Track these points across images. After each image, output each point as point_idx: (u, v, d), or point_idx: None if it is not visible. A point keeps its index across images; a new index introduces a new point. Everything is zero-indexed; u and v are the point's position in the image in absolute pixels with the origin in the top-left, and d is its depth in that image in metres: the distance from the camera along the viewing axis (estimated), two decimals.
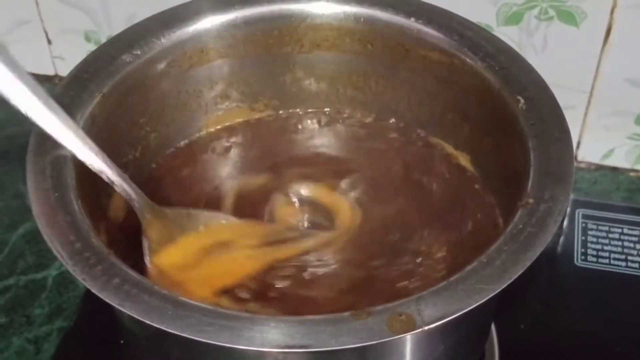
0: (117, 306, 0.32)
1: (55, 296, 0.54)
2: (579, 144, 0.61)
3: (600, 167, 0.62)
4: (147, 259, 0.39)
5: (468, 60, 0.43)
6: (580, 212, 0.58)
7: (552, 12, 0.55)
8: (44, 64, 0.68)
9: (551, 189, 0.36)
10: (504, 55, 0.43)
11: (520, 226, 0.35)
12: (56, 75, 0.68)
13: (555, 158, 0.38)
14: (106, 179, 0.38)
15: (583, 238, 0.57)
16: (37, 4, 0.64)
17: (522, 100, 0.40)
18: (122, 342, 0.46)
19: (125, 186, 0.38)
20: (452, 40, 0.44)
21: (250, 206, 0.45)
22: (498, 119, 0.42)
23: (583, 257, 0.56)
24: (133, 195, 0.39)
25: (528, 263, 0.34)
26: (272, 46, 0.47)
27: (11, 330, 0.52)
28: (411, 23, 0.45)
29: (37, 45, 0.66)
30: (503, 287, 0.33)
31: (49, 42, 0.66)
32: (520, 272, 0.34)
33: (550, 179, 0.37)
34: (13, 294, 0.54)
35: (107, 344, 0.48)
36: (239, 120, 0.49)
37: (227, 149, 0.48)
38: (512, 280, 0.33)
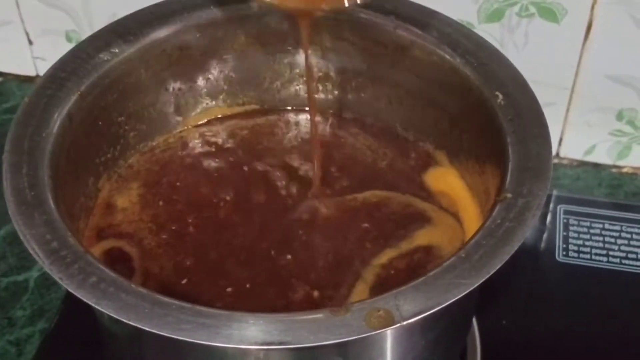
0: (93, 305, 0.32)
1: (37, 298, 0.54)
2: (561, 140, 0.62)
3: (582, 164, 0.63)
4: None
5: (447, 57, 0.43)
6: (562, 207, 0.58)
7: (533, 9, 0.55)
8: (25, 64, 0.67)
9: (529, 184, 0.37)
10: (483, 52, 0.43)
11: (499, 221, 0.35)
12: (37, 76, 0.68)
13: (533, 153, 0.38)
14: None
15: (565, 234, 0.57)
16: (17, 4, 0.63)
17: (500, 96, 0.41)
18: (102, 342, 0.46)
19: None
20: (432, 37, 0.44)
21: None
22: (477, 115, 0.42)
23: (564, 253, 0.56)
24: None
25: (506, 257, 0.34)
26: (253, 44, 0.47)
27: None
28: (391, 21, 0.45)
29: (18, 46, 0.66)
30: (481, 281, 0.33)
31: (30, 42, 0.66)
32: (498, 267, 0.34)
33: (529, 174, 0.37)
34: None
35: (88, 345, 0.48)
36: (219, 118, 0.49)
37: (207, 146, 0.48)
38: (490, 274, 0.33)
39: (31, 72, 0.68)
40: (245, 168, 0.46)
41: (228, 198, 0.45)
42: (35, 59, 0.67)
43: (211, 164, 0.47)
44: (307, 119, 0.49)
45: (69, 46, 0.64)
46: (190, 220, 0.44)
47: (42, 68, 0.67)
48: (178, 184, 0.46)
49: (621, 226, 0.57)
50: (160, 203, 0.45)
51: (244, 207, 0.44)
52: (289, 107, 0.50)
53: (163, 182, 0.46)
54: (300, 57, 0.48)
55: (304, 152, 0.47)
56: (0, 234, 0.57)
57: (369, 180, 0.46)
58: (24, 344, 0.51)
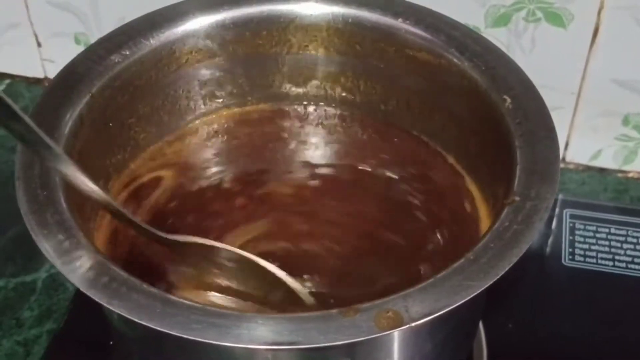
0: (105, 304, 0.32)
1: (44, 299, 0.54)
2: (567, 144, 0.62)
3: (588, 168, 0.63)
4: None
5: (455, 60, 0.43)
6: (568, 212, 0.59)
7: (539, 14, 0.55)
8: (33, 66, 0.68)
9: (537, 187, 0.37)
10: (491, 55, 0.43)
11: (507, 224, 0.35)
12: (46, 78, 0.68)
13: (541, 156, 0.38)
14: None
15: (571, 238, 0.57)
16: (27, 6, 0.64)
17: (508, 100, 0.41)
18: (111, 343, 0.46)
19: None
20: (439, 41, 0.44)
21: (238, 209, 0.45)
22: (485, 118, 0.42)
23: (571, 257, 0.56)
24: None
25: (514, 260, 0.34)
26: (260, 47, 0.47)
27: (0, 333, 0.52)
28: (399, 24, 0.45)
29: (27, 48, 0.66)
30: (489, 283, 0.33)
31: (39, 44, 0.66)
32: (506, 269, 0.34)
33: (536, 177, 0.37)
34: (2, 297, 0.54)
35: (97, 346, 0.48)
36: (228, 120, 0.49)
37: (216, 148, 0.48)
38: (498, 277, 0.33)
39: (40, 75, 0.68)
40: (262, 166, 0.47)
41: (245, 193, 0.45)
42: (43, 61, 0.67)
43: (221, 163, 0.47)
44: (317, 116, 0.49)
45: (78, 48, 0.65)
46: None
47: (51, 70, 0.68)
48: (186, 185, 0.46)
49: (627, 230, 0.57)
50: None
51: (261, 202, 0.45)
52: (298, 110, 0.50)
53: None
54: (305, 58, 0.48)
55: (313, 150, 0.48)
56: (8, 235, 0.58)
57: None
58: (32, 345, 0.52)
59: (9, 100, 0.29)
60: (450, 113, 0.45)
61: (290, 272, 0.40)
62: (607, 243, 0.57)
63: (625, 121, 0.60)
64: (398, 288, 0.33)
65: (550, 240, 0.57)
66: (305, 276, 0.42)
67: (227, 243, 0.41)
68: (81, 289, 0.33)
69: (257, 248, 0.43)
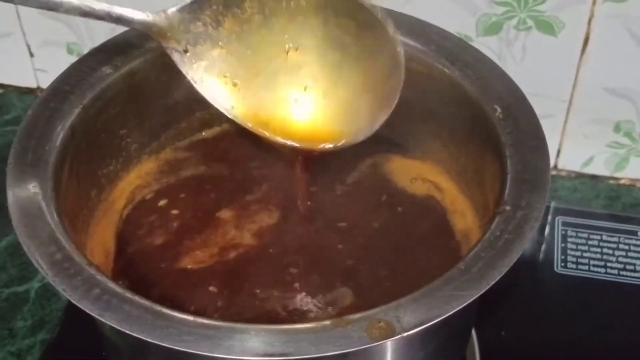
0: (96, 316, 0.32)
1: (37, 309, 0.54)
2: (559, 152, 0.62)
3: (580, 175, 0.63)
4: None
5: (446, 70, 0.43)
6: (560, 219, 0.59)
7: (530, 22, 0.55)
8: (26, 76, 0.68)
9: (528, 196, 0.37)
10: (481, 65, 0.43)
11: (498, 233, 0.36)
12: (38, 88, 0.68)
13: (531, 166, 0.38)
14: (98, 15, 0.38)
15: (563, 245, 0.57)
16: (19, 16, 0.64)
17: (498, 109, 0.41)
18: (103, 353, 0.46)
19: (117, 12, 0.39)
20: (430, 51, 0.44)
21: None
22: (475, 127, 0.42)
23: (563, 264, 0.56)
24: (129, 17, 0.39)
25: (505, 269, 0.34)
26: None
27: None
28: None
29: (19, 57, 0.66)
30: (481, 293, 0.33)
31: (31, 54, 0.66)
32: (497, 279, 0.34)
33: (527, 186, 0.37)
34: None
35: (89, 356, 0.48)
36: (222, 130, 0.49)
37: (209, 158, 0.48)
38: (489, 286, 0.34)
39: (32, 84, 0.68)
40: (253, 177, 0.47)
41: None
42: (36, 70, 0.67)
43: (212, 173, 0.47)
44: None
45: (70, 58, 0.65)
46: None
47: (43, 80, 0.68)
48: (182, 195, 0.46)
49: (619, 238, 0.57)
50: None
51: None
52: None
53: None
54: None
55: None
56: (1, 245, 0.57)
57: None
58: (25, 355, 0.51)
59: None
60: (441, 123, 0.45)
61: None
62: (599, 250, 0.57)
63: (617, 128, 0.60)
64: None
65: (542, 248, 0.57)
66: None
67: None
68: (72, 301, 0.33)
69: None
